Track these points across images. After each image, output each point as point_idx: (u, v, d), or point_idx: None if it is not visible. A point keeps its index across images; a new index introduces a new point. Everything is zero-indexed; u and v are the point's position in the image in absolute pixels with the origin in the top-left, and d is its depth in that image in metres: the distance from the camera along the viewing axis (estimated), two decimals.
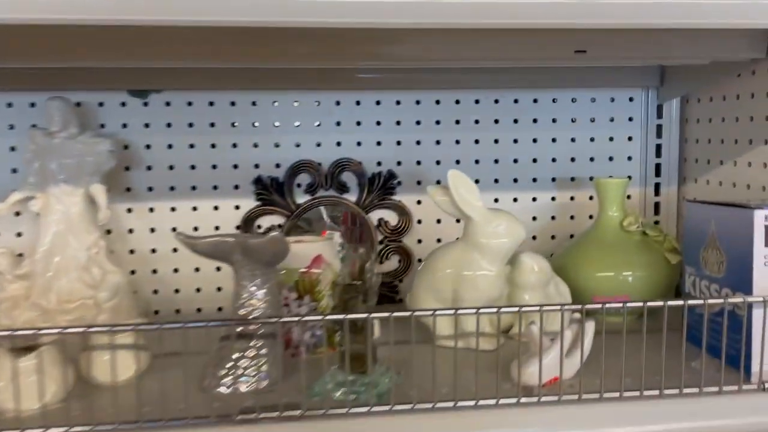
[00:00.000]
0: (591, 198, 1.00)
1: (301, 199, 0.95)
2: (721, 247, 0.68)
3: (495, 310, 0.56)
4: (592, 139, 1.00)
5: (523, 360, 0.63)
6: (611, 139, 1.00)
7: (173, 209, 0.94)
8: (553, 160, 0.99)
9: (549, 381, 0.63)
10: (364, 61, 0.76)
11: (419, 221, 0.98)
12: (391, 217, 0.97)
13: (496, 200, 0.99)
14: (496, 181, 0.99)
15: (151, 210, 0.93)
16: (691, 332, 0.65)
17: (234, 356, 0.63)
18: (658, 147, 1.01)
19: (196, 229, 0.94)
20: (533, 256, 0.77)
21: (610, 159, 1.00)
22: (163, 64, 0.79)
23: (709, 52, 0.76)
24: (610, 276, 0.82)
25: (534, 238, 1.00)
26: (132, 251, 0.93)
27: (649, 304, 0.58)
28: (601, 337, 0.59)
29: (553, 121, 0.99)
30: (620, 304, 0.57)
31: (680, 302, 0.58)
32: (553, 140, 0.99)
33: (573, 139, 0.99)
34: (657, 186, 1.01)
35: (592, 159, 1.00)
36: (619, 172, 1.00)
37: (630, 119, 1.00)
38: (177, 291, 0.95)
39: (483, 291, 0.73)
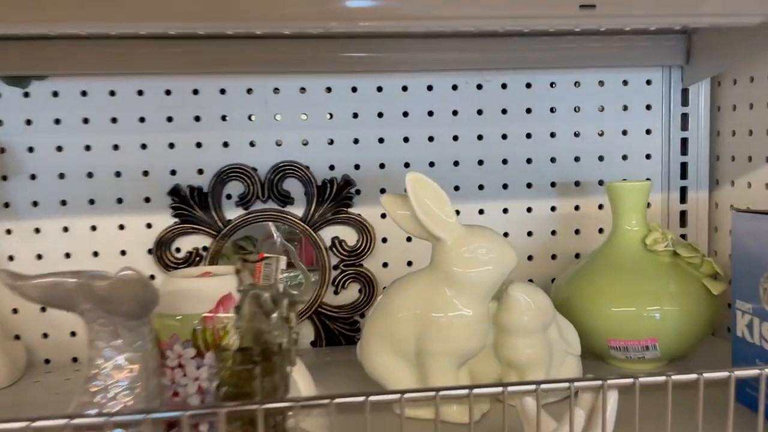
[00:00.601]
0: (601, 207, 0.80)
1: (232, 214, 0.75)
2: None
3: (465, 391, 0.35)
4: (600, 133, 0.79)
5: None
6: (625, 132, 0.79)
7: (66, 229, 0.73)
8: (552, 160, 0.79)
9: None
10: (305, 21, 0.55)
11: (384, 240, 0.77)
12: (349, 236, 0.77)
13: (480, 212, 0.78)
14: (481, 187, 0.78)
15: (37, 231, 0.73)
16: (743, 395, 0.45)
17: None
18: (684, 141, 0.80)
19: (96, 254, 0.74)
20: (528, 289, 0.56)
21: (624, 158, 0.80)
22: (44, 28, 0.58)
23: (757, 5, 0.56)
24: (630, 313, 0.62)
25: (530, 258, 0.80)
26: None
27: (709, 375, 0.37)
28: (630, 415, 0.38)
29: (552, 110, 0.78)
30: (662, 378, 0.36)
31: (754, 371, 0.37)
32: (552, 135, 0.79)
33: (577, 134, 0.79)
34: (683, 191, 0.81)
35: (601, 158, 0.79)
36: (635, 174, 0.79)
37: (648, 107, 0.79)
38: (73, 334, 0.74)
39: (457, 341, 0.53)
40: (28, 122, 0.71)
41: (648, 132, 0.80)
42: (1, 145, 0.71)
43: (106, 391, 0.43)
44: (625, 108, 0.79)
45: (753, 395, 0.50)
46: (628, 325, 0.61)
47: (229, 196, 0.75)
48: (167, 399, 0.50)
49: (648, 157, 0.80)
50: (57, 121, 0.72)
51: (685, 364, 0.66)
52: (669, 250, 0.63)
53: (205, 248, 0.74)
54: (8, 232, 0.72)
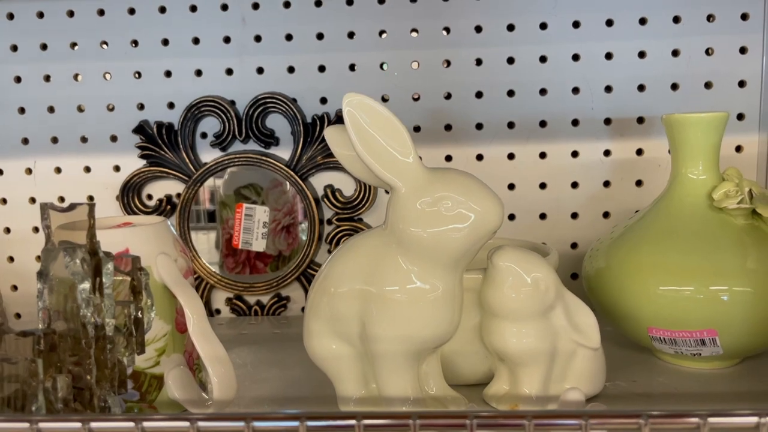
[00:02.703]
0: None
1: (208, 156, 0.64)
2: None
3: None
4: (675, 53, 0.60)
5: None
6: (708, 51, 0.60)
7: (29, 171, 0.65)
8: (608, 89, 0.61)
9: None
10: None
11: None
12: (344, 183, 0.64)
13: (510, 156, 0.62)
14: (511, 125, 0.62)
15: (0, 172, 0.65)
16: None
17: None
18: None
19: (62, 200, 0.65)
20: (521, 257, 0.41)
21: (707, 86, 0.60)
22: None
23: None
24: (680, 294, 0.44)
25: (574, 216, 0.63)
26: None
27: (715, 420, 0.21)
28: None
29: (608, 23, 0.60)
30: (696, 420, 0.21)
31: None
32: (608, 56, 0.61)
33: (642, 54, 0.60)
34: None
35: (674, 86, 0.60)
36: (722, 108, 0.59)
37: (744, 17, 0.59)
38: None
39: (411, 325, 0.39)
40: None
41: (743, 51, 0.59)
42: None
43: None
44: (710, 18, 0.59)
45: None
46: (677, 310, 0.44)
47: (203, 135, 0.64)
48: None
49: (741, 84, 0.60)
50: (14, 48, 0.63)
51: (764, 365, 0.48)
52: (744, 208, 0.45)
53: (178, 195, 0.64)
54: None
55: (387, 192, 0.63)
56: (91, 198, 0.65)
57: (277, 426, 0.22)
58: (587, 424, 0.21)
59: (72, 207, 0.31)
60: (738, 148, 0.61)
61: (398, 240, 0.39)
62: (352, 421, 0.21)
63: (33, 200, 0.65)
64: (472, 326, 0.44)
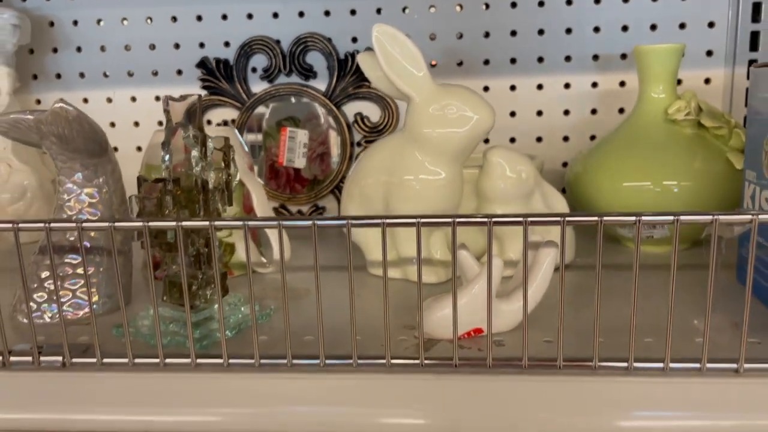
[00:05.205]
0: None
1: (258, 87, 0.76)
2: None
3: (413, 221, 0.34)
4: None
5: (432, 302, 0.42)
6: None
7: (109, 100, 0.78)
8: (596, 29, 0.72)
9: (467, 333, 0.41)
10: None
11: None
12: (372, 111, 0.76)
13: (512, 88, 0.74)
14: (513, 61, 0.73)
15: (86, 101, 0.79)
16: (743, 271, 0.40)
17: (43, 275, 0.47)
18: (757, 7, 0.69)
19: (137, 124, 0.79)
20: (507, 154, 0.53)
21: (682, 26, 0.70)
22: None
23: None
24: (643, 187, 0.56)
25: (565, 139, 0.74)
26: None
27: (686, 218, 0.33)
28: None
29: None
30: (632, 218, 0.33)
31: (743, 217, 0.33)
32: (597, 0, 0.71)
33: None
34: (752, 64, 0.71)
35: (653, 27, 0.71)
36: (694, 45, 0.70)
37: None
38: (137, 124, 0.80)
39: (423, 203, 0.51)
40: None
41: None
42: (50, 18, 0.77)
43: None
44: None
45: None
46: (640, 200, 0.56)
47: (254, 69, 0.76)
48: None
49: (711, 25, 0.70)
50: None
51: (704, 249, 0.60)
52: (691, 119, 0.56)
53: (233, 120, 0.77)
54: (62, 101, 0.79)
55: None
56: (160, 123, 0.78)
57: (332, 223, 0.34)
58: (526, 221, 0.33)
59: (184, 98, 0.43)
60: (707, 81, 0.71)
61: (414, 139, 0.51)
62: (379, 220, 0.34)
63: (113, 125, 0.79)
64: (471, 210, 0.56)
